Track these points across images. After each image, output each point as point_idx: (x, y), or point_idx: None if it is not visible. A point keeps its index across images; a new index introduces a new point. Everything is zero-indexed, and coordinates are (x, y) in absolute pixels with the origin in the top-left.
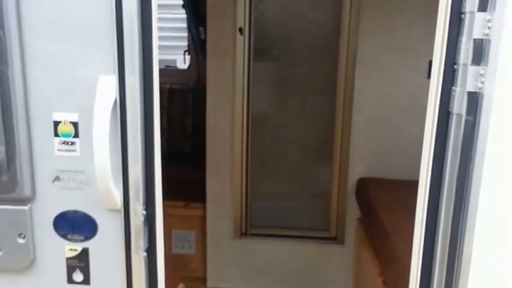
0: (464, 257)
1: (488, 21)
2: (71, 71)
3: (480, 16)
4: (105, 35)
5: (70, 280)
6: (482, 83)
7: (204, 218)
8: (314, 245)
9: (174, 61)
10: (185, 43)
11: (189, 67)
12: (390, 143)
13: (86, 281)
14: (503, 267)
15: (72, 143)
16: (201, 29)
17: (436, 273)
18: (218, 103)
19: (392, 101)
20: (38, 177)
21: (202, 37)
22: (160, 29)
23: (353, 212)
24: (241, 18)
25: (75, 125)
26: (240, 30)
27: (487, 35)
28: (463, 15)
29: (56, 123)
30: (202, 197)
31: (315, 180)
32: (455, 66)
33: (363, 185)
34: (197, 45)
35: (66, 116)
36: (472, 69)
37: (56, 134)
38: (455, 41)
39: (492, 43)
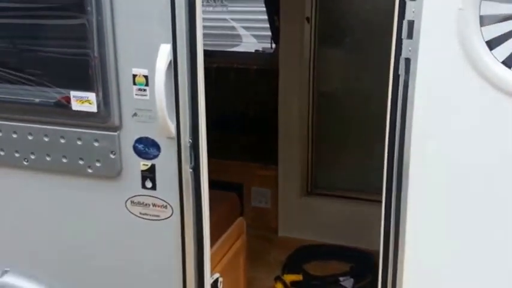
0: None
1: (414, 7)
2: (143, 41)
3: (410, 4)
4: (165, 17)
5: (143, 186)
6: (410, 51)
7: (277, 178)
8: (370, 206)
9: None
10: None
11: (274, 51)
12: None
13: (154, 187)
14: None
15: (144, 90)
16: (275, 17)
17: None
18: (288, 81)
19: None
20: (123, 113)
21: (277, 24)
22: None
23: None
24: (309, 8)
25: (146, 77)
26: (307, 19)
27: (413, 17)
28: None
29: (134, 76)
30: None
31: (372, 148)
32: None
33: None
34: (273, 32)
35: (140, 71)
36: (406, 42)
37: (134, 83)
38: (401, 21)
39: (415, 22)
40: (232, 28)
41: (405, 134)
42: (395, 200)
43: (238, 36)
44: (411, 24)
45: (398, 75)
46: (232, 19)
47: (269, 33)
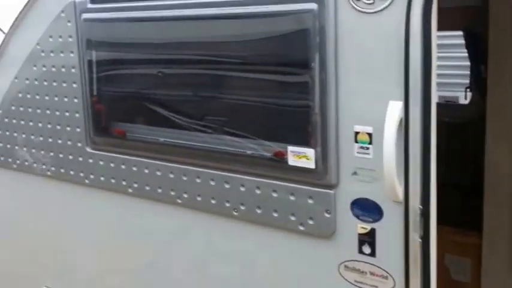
0: None
1: None
2: (368, 97)
3: None
4: (397, 75)
5: (360, 251)
6: None
7: (480, 247)
8: None
9: (456, 97)
10: (466, 80)
11: (470, 103)
12: None
13: (373, 254)
14: None
15: (367, 148)
16: (482, 67)
17: None
18: (498, 137)
19: None
20: (341, 171)
21: (483, 75)
22: (443, 67)
23: None
24: None
25: (369, 135)
26: None
27: None
28: None
29: (356, 133)
30: (479, 225)
31: None
32: None
33: None
34: (477, 82)
35: (364, 128)
36: None
37: (356, 141)
38: None
39: None
40: None
41: None
42: None
43: None
44: None
45: None
46: None
47: (447, 80)
